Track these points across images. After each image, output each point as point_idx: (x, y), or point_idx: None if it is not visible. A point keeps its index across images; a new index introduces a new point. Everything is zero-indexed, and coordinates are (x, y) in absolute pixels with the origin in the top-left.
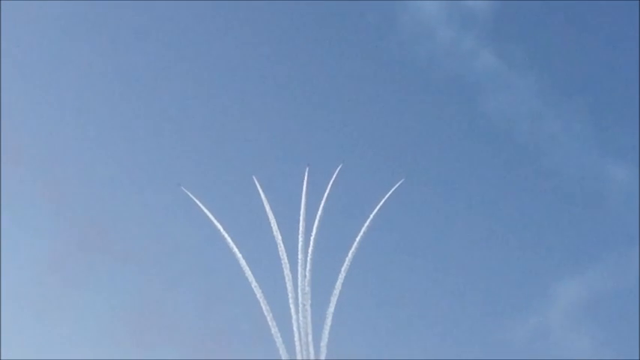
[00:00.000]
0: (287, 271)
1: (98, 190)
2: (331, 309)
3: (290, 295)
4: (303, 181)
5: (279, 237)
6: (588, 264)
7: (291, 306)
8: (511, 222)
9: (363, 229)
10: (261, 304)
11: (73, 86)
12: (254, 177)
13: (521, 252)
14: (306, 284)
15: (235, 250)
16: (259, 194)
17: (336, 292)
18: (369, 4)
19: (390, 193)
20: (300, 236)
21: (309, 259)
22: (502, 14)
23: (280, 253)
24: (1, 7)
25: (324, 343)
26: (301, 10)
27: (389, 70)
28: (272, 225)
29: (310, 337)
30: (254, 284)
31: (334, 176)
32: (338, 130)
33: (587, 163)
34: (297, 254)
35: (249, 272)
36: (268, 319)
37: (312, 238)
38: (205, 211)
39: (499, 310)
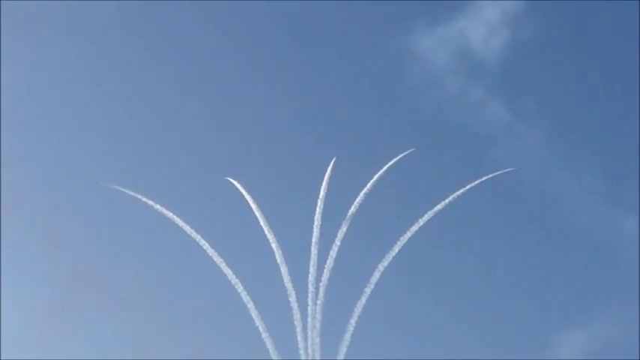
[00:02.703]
0: (297, 321)
1: (90, 236)
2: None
3: (300, 345)
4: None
5: (291, 286)
6: (593, 315)
7: (302, 357)
8: (517, 271)
9: (373, 279)
10: (271, 354)
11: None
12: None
13: (525, 301)
14: (316, 335)
15: (245, 297)
16: (268, 240)
17: (345, 342)
18: (378, 53)
19: (399, 245)
20: (309, 285)
21: (318, 309)
22: (511, 64)
23: (291, 302)
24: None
25: None
26: (309, 58)
27: (397, 120)
28: (283, 273)
29: None
30: (264, 334)
31: (345, 228)
32: (345, 178)
33: (597, 215)
34: (308, 303)
35: (260, 321)
36: None
37: (321, 286)
38: (210, 252)
39: (503, 358)
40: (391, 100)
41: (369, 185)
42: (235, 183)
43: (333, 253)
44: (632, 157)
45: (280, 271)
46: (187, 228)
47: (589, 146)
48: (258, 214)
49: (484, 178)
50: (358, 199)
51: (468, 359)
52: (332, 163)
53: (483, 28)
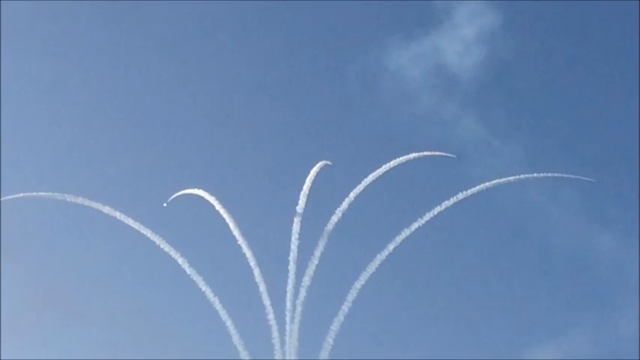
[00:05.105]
0: (275, 339)
1: (59, 248)
2: None
3: None
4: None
5: (269, 303)
6: (567, 330)
7: None
8: (491, 286)
9: (350, 297)
10: None
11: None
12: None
13: (499, 316)
14: (294, 353)
15: (224, 315)
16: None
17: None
18: (352, 69)
19: (376, 263)
20: (287, 303)
21: (295, 328)
22: (486, 81)
23: (270, 320)
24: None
25: None
26: (283, 73)
27: (370, 135)
28: (261, 291)
29: None
30: (243, 352)
31: (322, 246)
32: (320, 194)
33: (572, 231)
34: (286, 324)
35: (238, 339)
36: None
37: (298, 304)
38: (189, 270)
39: None
40: (365, 115)
41: (345, 202)
42: (212, 200)
43: (310, 271)
44: (609, 174)
45: (259, 289)
46: (166, 246)
47: (564, 162)
48: (235, 232)
49: (461, 195)
50: (335, 217)
51: None
52: (319, 166)
53: (459, 44)
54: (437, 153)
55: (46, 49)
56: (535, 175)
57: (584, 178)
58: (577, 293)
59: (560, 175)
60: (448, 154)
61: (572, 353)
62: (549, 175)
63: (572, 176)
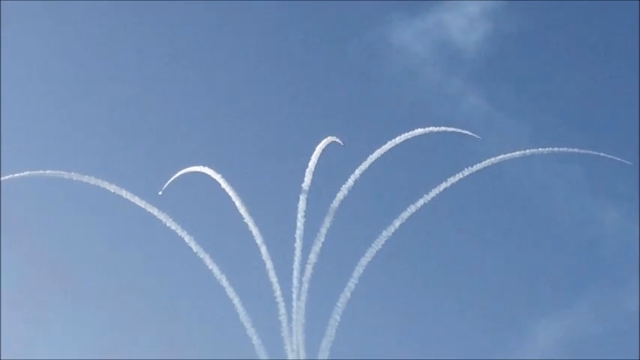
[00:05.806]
0: (283, 316)
1: (64, 227)
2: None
3: (285, 340)
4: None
5: (276, 281)
6: (570, 304)
7: (287, 352)
8: (496, 262)
9: (356, 273)
10: (257, 350)
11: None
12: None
13: (503, 291)
14: (301, 331)
15: (231, 292)
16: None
17: (330, 337)
18: (356, 45)
19: (381, 240)
20: (294, 280)
21: (302, 305)
22: (491, 56)
23: (277, 298)
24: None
25: None
26: (286, 48)
27: (373, 113)
28: (268, 269)
29: None
30: (250, 330)
31: (328, 223)
32: (326, 171)
33: (578, 207)
34: (292, 301)
35: (246, 316)
36: None
37: (304, 281)
38: (195, 247)
39: (476, 348)
40: (369, 91)
41: (351, 179)
42: (218, 178)
43: (316, 248)
44: (614, 149)
45: (265, 266)
46: (173, 224)
47: (570, 138)
48: (241, 209)
49: (466, 171)
50: (341, 194)
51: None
52: (324, 143)
53: (463, 20)
54: (464, 131)
55: (47, 25)
56: (540, 149)
57: (590, 152)
58: (581, 268)
59: (565, 149)
60: (472, 134)
61: (576, 327)
62: (555, 149)
63: (578, 151)
